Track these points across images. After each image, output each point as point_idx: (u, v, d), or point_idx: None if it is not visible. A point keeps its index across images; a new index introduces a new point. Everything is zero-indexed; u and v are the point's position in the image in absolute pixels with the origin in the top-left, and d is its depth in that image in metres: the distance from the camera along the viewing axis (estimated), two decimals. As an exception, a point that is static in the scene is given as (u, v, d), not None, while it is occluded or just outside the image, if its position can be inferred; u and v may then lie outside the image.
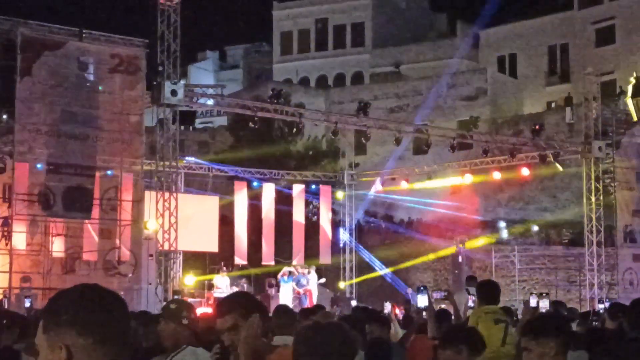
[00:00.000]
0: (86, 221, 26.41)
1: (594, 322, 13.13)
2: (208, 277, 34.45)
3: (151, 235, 27.59)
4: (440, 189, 47.76)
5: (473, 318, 10.30)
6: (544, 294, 11.90)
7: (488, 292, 10.48)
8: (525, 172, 35.16)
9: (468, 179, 37.45)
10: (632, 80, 12.20)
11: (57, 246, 26.13)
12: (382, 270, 43.95)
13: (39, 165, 25.89)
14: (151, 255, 27.49)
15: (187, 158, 37.56)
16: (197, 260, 35.60)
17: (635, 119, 40.81)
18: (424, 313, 11.48)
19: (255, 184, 37.99)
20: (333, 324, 3.37)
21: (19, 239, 25.41)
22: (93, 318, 2.81)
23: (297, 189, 39.17)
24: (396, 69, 68.26)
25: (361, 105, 32.18)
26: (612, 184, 32.69)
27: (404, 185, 39.77)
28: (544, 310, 10.36)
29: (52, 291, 24.24)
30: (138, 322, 10.51)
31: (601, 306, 23.74)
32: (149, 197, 27.02)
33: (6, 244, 25.80)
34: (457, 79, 60.04)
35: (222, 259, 35.16)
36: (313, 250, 39.25)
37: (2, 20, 25.31)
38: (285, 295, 32.98)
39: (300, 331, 3.31)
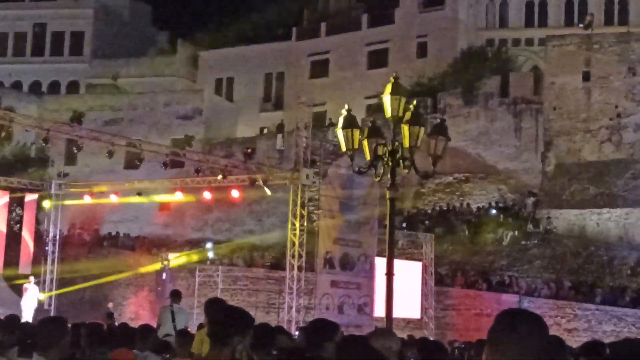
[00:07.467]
0: None
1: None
2: None
3: None
4: (150, 206, 47.80)
5: (199, 337, 10.39)
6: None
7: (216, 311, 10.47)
8: (235, 194, 35.61)
9: (178, 196, 37.52)
10: (344, 112, 12.80)
11: None
12: (84, 284, 43.21)
13: None
14: None
15: None
16: None
17: (344, 149, 42.46)
18: None
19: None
20: None
21: None
22: None
23: (1, 196, 37.80)
24: (114, 82, 67.55)
25: (75, 115, 31.66)
26: (316, 212, 33.75)
27: (113, 199, 39.16)
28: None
29: None
30: None
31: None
32: None
33: None
34: (174, 97, 60.30)
35: None
36: (14, 259, 37.98)
37: None
38: None
39: None
